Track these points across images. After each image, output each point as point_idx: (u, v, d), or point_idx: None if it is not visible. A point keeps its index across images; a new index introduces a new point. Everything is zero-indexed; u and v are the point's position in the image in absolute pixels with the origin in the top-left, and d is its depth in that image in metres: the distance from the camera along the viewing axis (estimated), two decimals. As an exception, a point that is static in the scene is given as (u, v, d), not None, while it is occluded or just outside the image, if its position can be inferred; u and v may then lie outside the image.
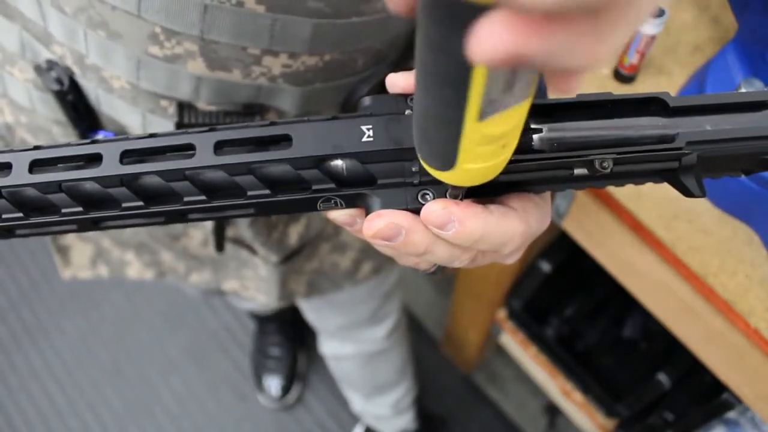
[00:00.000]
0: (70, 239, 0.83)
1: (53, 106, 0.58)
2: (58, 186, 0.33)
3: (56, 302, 1.68)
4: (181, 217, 0.35)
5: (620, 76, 0.77)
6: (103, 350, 1.64)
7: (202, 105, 0.52)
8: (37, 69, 0.54)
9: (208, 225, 0.70)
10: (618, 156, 0.33)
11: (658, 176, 0.36)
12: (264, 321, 1.60)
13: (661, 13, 0.70)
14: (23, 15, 0.53)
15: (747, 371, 0.74)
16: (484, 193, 0.35)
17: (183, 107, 0.52)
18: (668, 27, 0.81)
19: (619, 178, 0.36)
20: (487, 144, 0.26)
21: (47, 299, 1.69)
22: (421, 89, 0.24)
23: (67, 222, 0.34)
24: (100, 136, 0.57)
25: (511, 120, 0.25)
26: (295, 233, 0.72)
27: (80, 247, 0.83)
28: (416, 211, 0.33)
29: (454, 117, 0.24)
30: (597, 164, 0.33)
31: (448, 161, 0.27)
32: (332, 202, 0.35)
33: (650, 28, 0.70)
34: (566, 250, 1.18)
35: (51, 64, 0.54)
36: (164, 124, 0.54)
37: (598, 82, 0.78)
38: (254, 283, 0.81)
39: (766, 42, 0.63)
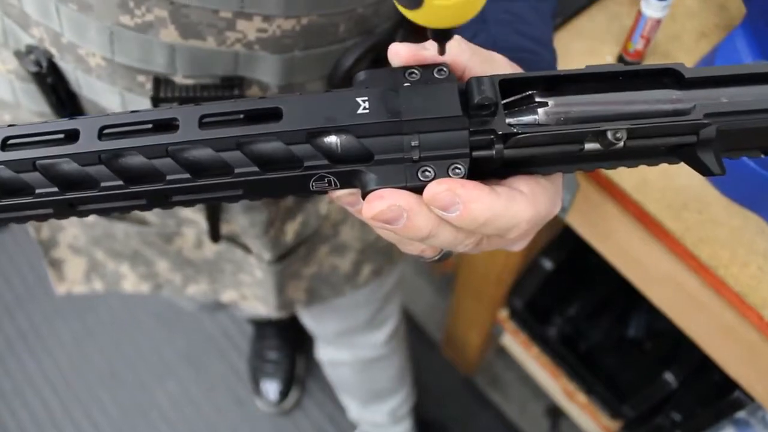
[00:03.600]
0: (63, 252, 0.81)
1: (36, 97, 0.57)
2: (32, 164, 0.31)
3: (51, 306, 1.67)
4: (164, 198, 0.33)
5: (625, 63, 0.75)
6: (99, 354, 1.62)
7: (179, 79, 0.51)
8: (17, 54, 0.53)
9: (201, 222, 0.68)
10: (632, 127, 0.31)
11: (673, 154, 0.34)
12: (262, 324, 1.59)
13: (666, -5, 0.68)
14: None
15: (760, 367, 0.73)
16: (490, 175, 0.33)
17: (159, 82, 0.50)
18: (673, 14, 0.79)
19: (633, 157, 0.34)
20: None
21: (42, 303, 1.67)
22: None
23: (42, 204, 0.32)
24: None
25: None
26: (291, 231, 0.70)
27: (74, 260, 0.82)
28: (416, 189, 0.31)
29: None
30: (610, 136, 0.31)
31: None
32: (326, 180, 0.32)
33: (655, 11, 0.68)
34: (568, 247, 1.16)
35: (30, 48, 0.53)
36: (143, 102, 0.53)
37: (601, 70, 0.76)
38: (252, 291, 0.80)
39: (776, 24, 0.61)
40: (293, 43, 0.49)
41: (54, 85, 0.54)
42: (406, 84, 0.32)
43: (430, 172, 0.31)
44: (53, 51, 0.52)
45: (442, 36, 0.31)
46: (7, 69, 0.57)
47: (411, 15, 0.28)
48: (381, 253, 0.86)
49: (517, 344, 1.32)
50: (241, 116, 0.32)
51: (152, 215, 0.70)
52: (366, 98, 0.31)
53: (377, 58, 0.54)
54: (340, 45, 0.52)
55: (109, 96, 0.53)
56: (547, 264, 1.17)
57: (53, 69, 0.54)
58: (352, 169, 0.32)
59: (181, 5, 0.45)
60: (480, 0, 0.28)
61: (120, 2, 0.45)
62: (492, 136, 0.31)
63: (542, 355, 1.29)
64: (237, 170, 0.31)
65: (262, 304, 0.81)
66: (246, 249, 0.72)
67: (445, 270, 1.64)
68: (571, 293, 1.28)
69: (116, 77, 0.51)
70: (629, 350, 1.25)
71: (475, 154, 0.31)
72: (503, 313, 1.30)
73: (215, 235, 0.69)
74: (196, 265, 0.78)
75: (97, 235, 0.77)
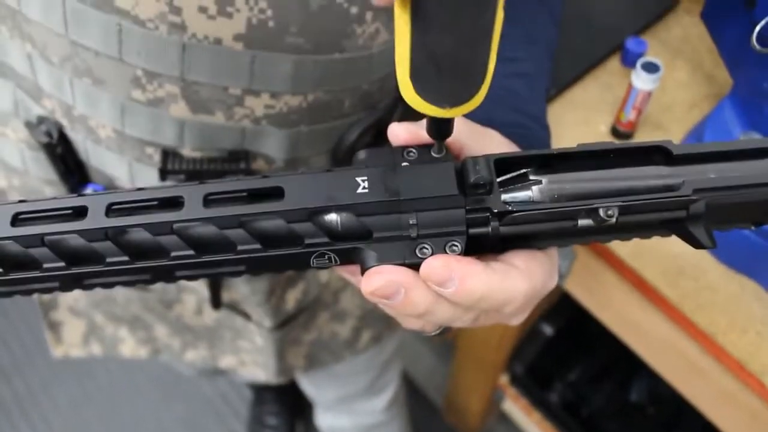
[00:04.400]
0: (63, 314, 0.81)
1: (45, 165, 0.58)
2: (40, 240, 0.32)
3: (49, 370, 1.64)
4: (168, 274, 0.34)
5: (618, 133, 0.77)
6: (96, 420, 1.59)
7: (187, 151, 0.52)
8: (28, 125, 0.54)
9: (202, 290, 0.68)
10: (624, 204, 0.32)
11: (665, 228, 0.35)
12: (261, 390, 1.56)
13: (655, 68, 0.70)
14: (15, 71, 0.53)
15: (762, 435, 0.72)
16: (487, 250, 0.34)
17: (168, 154, 0.51)
18: (663, 85, 0.81)
19: (625, 231, 0.35)
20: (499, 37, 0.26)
21: (40, 367, 1.65)
22: (445, 22, 0.24)
23: (49, 279, 0.33)
24: (89, 189, 0.57)
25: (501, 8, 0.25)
26: (292, 299, 0.71)
27: (73, 323, 0.81)
28: (414, 266, 0.32)
29: (487, 24, 0.24)
30: (602, 213, 0.32)
31: (479, 79, 0.27)
32: (326, 258, 0.33)
33: (646, 84, 0.71)
34: (568, 312, 1.16)
35: (41, 119, 0.54)
36: (150, 172, 0.53)
37: (596, 140, 0.78)
38: (252, 357, 0.79)
39: (763, 96, 0.63)
40: (299, 118, 0.51)
41: (63, 155, 0.55)
42: (404, 163, 0.33)
43: (427, 249, 0.32)
44: (64, 122, 0.54)
45: (440, 131, 0.32)
46: (18, 138, 0.58)
47: (466, 107, 0.28)
48: (380, 320, 0.86)
49: (518, 410, 1.30)
50: (245, 194, 0.33)
51: None
52: (365, 177, 0.32)
53: (379, 131, 0.55)
54: (344, 120, 0.53)
55: (118, 166, 0.54)
56: (547, 329, 1.16)
57: (63, 139, 0.55)
58: (351, 247, 0.32)
59: (192, 82, 0.46)
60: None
61: (133, 78, 0.47)
62: (488, 214, 0.32)
63: (544, 421, 1.26)
64: (240, 247, 0.32)
65: (261, 370, 0.81)
66: (246, 316, 0.72)
67: (449, 332, 1.62)
68: (572, 358, 1.27)
69: (125, 148, 0.52)
70: (632, 415, 1.23)
71: (472, 231, 0.32)
72: (504, 379, 1.29)
73: (216, 303, 0.69)
74: (196, 331, 0.78)
75: (97, 299, 0.77)
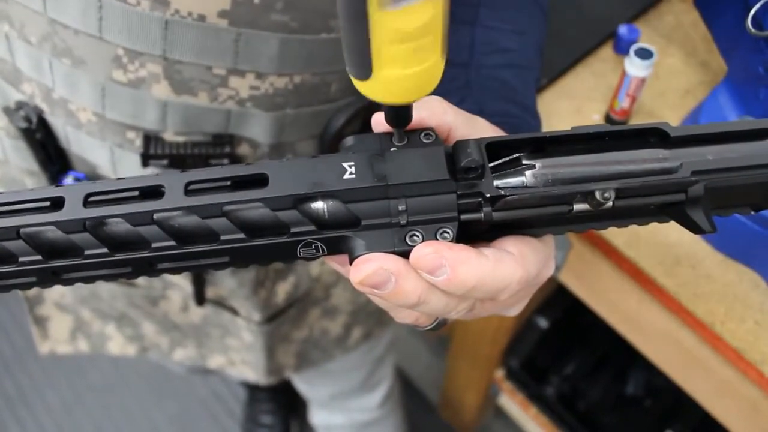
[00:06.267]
0: (49, 309, 0.80)
1: (25, 154, 0.57)
2: (15, 232, 0.30)
3: (40, 370, 1.63)
4: (149, 266, 0.32)
5: (612, 122, 0.76)
6: (87, 420, 1.58)
7: (170, 135, 0.50)
8: (6, 110, 0.54)
9: (187, 286, 0.67)
10: (620, 186, 0.31)
11: (663, 213, 0.34)
12: (255, 388, 1.56)
13: (649, 54, 0.69)
14: None
15: (763, 425, 0.71)
16: (479, 237, 0.33)
17: (150, 139, 0.50)
18: (657, 72, 0.80)
19: (622, 217, 0.34)
20: (399, 42, 0.25)
21: (31, 368, 1.64)
22: None
23: (25, 273, 0.32)
24: (70, 176, 0.56)
25: (421, 14, 0.24)
26: (282, 292, 0.70)
27: (59, 318, 0.80)
28: (404, 254, 0.30)
29: (357, 6, 0.23)
30: (599, 196, 0.31)
31: (364, 65, 0.26)
32: (313, 247, 0.32)
33: (640, 70, 0.70)
34: (563, 305, 1.15)
35: (20, 104, 0.53)
36: (133, 159, 0.52)
37: (589, 129, 0.77)
38: (240, 356, 0.78)
39: (758, 80, 0.62)
40: (285, 101, 0.49)
41: (43, 141, 0.54)
42: (392, 148, 0.32)
43: (418, 236, 0.31)
44: (43, 107, 0.53)
45: (396, 118, 0.30)
46: None
47: (363, 87, 0.27)
48: (371, 316, 0.85)
49: (514, 404, 1.29)
50: (228, 183, 0.32)
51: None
52: (352, 163, 0.31)
53: (368, 118, 0.54)
54: (331, 104, 0.52)
55: (99, 152, 0.53)
56: (543, 322, 1.16)
57: (43, 125, 0.54)
58: (339, 235, 0.31)
59: (175, 61, 0.45)
60: (435, 76, 0.27)
61: (114, 57, 0.46)
62: (480, 199, 0.31)
63: (540, 416, 1.26)
64: (223, 237, 0.31)
65: (250, 370, 0.80)
66: (233, 311, 0.71)
67: (439, 331, 1.62)
68: (568, 351, 1.26)
69: (106, 133, 0.51)
70: (629, 408, 1.23)
71: (464, 217, 0.31)
72: (499, 373, 1.28)
73: (200, 299, 0.68)
74: (183, 328, 0.77)
75: (83, 294, 0.76)
